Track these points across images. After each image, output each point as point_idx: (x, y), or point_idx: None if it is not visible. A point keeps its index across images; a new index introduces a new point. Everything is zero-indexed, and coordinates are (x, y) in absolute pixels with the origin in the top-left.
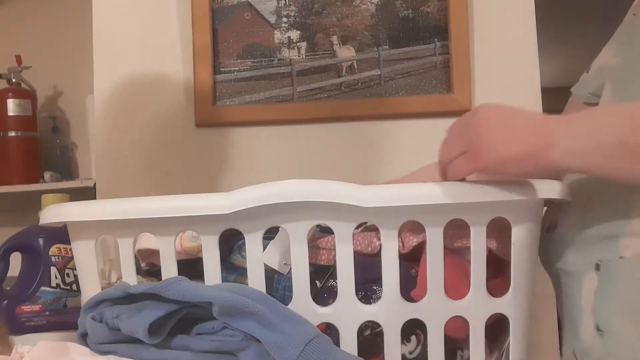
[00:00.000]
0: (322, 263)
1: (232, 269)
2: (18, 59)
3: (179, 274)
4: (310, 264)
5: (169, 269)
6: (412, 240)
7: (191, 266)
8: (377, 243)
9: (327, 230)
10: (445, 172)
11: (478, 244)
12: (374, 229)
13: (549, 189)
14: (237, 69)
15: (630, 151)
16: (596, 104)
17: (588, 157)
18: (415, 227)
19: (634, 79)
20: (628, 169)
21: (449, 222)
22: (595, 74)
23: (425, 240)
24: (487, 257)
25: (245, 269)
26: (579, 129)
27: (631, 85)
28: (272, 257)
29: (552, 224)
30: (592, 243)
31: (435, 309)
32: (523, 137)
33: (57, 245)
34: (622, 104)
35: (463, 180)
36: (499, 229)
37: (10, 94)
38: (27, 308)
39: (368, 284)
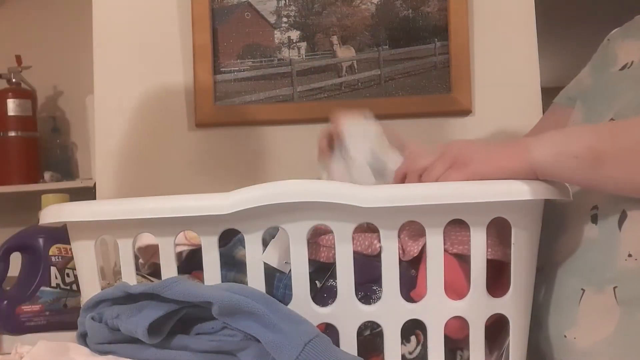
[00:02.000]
0: (321, 260)
1: (232, 265)
2: (18, 59)
3: (185, 264)
4: (310, 261)
5: (169, 269)
6: (413, 250)
7: (195, 256)
8: (378, 245)
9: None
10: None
11: (478, 244)
12: (375, 230)
13: (549, 189)
14: (237, 69)
15: (597, 156)
16: (571, 109)
17: (560, 159)
18: (415, 233)
19: (601, 104)
20: (596, 175)
21: (448, 225)
22: (574, 84)
23: (425, 242)
24: (486, 262)
25: (245, 264)
26: (551, 138)
27: (599, 107)
28: (272, 256)
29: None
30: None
31: (435, 309)
32: (502, 148)
33: (57, 245)
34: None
35: None
36: (498, 235)
37: (10, 94)
38: (27, 308)
39: (368, 284)
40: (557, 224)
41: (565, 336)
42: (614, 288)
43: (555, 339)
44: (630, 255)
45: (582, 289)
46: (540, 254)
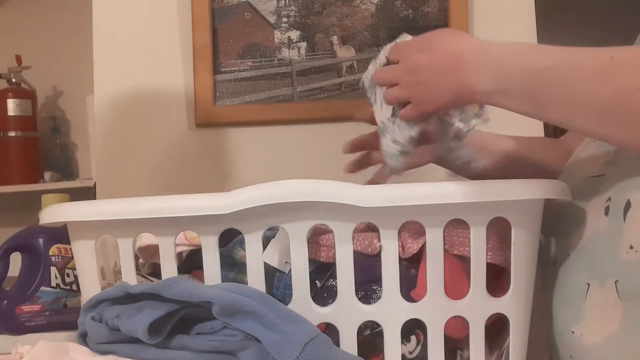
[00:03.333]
0: (321, 260)
1: (232, 265)
2: (18, 59)
3: (185, 265)
4: (310, 261)
5: (169, 269)
6: (413, 247)
7: (195, 256)
8: (378, 244)
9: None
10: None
11: (478, 244)
12: (375, 230)
13: (549, 189)
14: (237, 69)
15: (541, 105)
16: None
17: (503, 100)
18: (415, 232)
19: None
20: (539, 116)
21: (449, 226)
22: None
23: (425, 241)
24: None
25: (245, 265)
26: (493, 72)
27: None
28: (272, 255)
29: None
30: (550, 243)
31: (435, 309)
32: (449, 83)
33: (57, 245)
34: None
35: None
36: (499, 240)
37: (10, 94)
38: (27, 308)
39: (368, 284)
40: (574, 216)
41: (572, 332)
42: (616, 282)
43: (563, 334)
44: (631, 247)
45: (587, 283)
46: (554, 247)
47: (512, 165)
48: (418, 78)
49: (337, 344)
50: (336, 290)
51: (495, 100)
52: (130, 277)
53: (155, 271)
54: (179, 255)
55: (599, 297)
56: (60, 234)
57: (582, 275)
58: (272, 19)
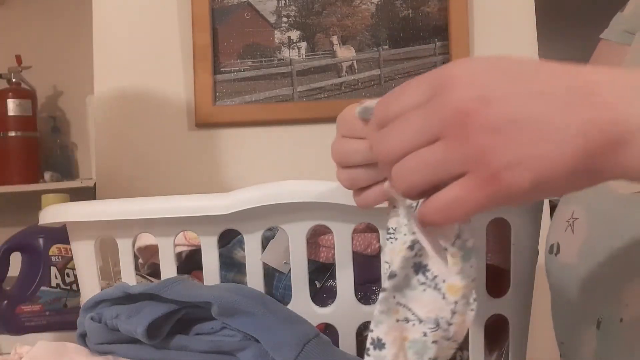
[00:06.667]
0: (321, 260)
1: (231, 265)
2: (18, 59)
3: (185, 265)
4: (310, 261)
5: (168, 269)
6: None
7: (195, 256)
8: (377, 245)
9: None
10: (427, 206)
11: (478, 245)
12: (375, 230)
13: None
14: (237, 69)
15: None
16: (627, 46)
17: None
18: None
19: None
20: None
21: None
22: (633, 12)
23: None
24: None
25: (244, 265)
26: None
27: None
28: (272, 256)
29: (555, 244)
30: (593, 290)
31: None
32: (572, 131)
33: (57, 245)
34: None
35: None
36: (500, 241)
37: (10, 94)
38: (27, 308)
39: (367, 284)
40: None
41: None
42: None
43: None
44: None
45: None
46: None
47: None
48: (492, 115)
49: (336, 344)
50: (336, 291)
51: None
52: (129, 277)
53: (154, 271)
54: (178, 255)
55: None
56: (60, 234)
57: None
58: (272, 19)
